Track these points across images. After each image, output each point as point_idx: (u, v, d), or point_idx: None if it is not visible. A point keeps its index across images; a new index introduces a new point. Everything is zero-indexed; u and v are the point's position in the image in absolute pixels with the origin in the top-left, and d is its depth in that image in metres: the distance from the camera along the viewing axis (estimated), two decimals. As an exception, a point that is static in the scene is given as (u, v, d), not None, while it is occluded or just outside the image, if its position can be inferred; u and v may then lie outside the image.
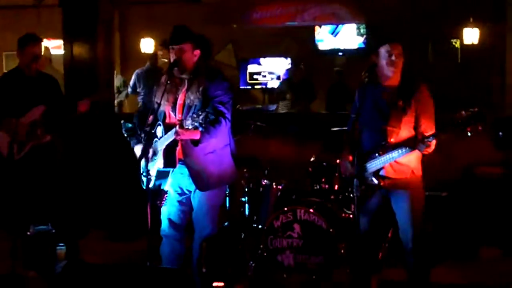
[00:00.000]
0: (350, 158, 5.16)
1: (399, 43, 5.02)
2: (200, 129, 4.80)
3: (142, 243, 5.19)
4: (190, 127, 4.75)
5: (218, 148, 5.20)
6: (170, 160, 5.09)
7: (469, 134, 4.54)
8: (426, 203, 5.13)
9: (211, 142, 5.04)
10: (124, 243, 7.43)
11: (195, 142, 4.96)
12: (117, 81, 12.15)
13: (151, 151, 5.17)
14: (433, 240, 6.23)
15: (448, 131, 4.72)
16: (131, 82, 11.41)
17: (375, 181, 5.01)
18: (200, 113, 4.70)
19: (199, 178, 5.17)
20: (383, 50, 4.99)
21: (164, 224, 5.39)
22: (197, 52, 5.17)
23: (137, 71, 11.38)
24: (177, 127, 4.86)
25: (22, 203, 6.19)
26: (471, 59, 12.22)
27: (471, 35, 11.92)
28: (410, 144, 4.86)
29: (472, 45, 12.01)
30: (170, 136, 4.98)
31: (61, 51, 10.98)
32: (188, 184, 5.27)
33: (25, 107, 6.16)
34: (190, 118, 4.72)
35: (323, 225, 5.71)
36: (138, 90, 11.01)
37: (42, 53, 6.48)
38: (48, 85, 6.38)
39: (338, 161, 5.72)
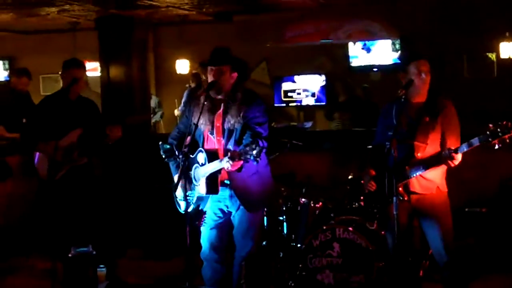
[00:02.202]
0: (373, 173, 5.24)
1: (427, 59, 5.08)
2: (254, 163, 4.72)
3: (177, 262, 5.17)
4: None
5: (260, 168, 5.21)
6: (212, 187, 5.08)
7: (497, 146, 4.54)
8: (467, 219, 5.08)
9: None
10: (160, 262, 7.41)
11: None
12: (152, 102, 12.22)
13: (190, 175, 5.16)
14: (475, 255, 6.15)
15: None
16: (184, 100, 11.53)
17: (401, 196, 5.00)
18: (253, 147, 4.62)
19: (246, 199, 5.18)
20: (412, 67, 5.04)
21: (205, 247, 5.38)
22: (235, 74, 5.20)
23: (187, 90, 11.56)
24: (227, 160, 4.80)
25: (62, 225, 6.23)
26: (507, 73, 12.08)
27: (507, 49, 11.82)
28: (436, 159, 4.92)
29: (509, 59, 11.89)
30: (215, 166, 4.94)
31: (95, 73, 11.12)
32: (230, 205, 5.27)
33: (64, 130, 6.23)
34: (243, 153, 4.66)
35: (363, 243, 5.66)
36: None
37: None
38: (86, 108, 6.46)
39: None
